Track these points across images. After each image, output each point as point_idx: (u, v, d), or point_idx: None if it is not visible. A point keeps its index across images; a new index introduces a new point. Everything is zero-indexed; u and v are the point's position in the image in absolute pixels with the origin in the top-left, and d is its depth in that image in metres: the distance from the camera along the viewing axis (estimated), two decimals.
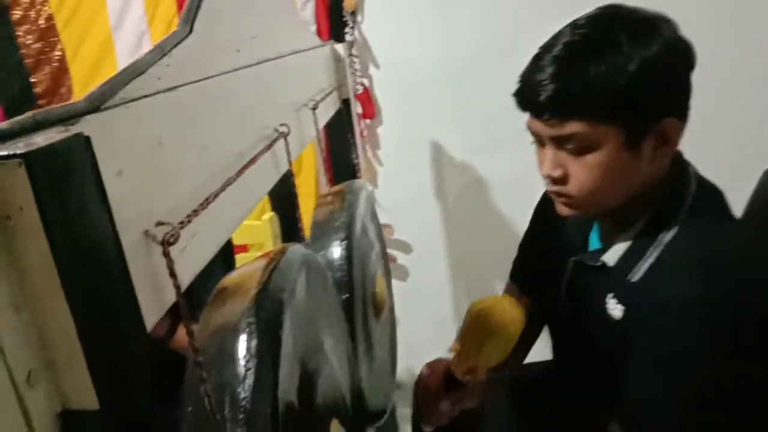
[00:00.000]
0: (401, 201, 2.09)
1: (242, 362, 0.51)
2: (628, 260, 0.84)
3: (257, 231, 1.70)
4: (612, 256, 0.86)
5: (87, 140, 0.35)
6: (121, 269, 0.37)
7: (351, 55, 1.90)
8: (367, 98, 1.98)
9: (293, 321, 0.61)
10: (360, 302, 1.02)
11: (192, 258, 0.47)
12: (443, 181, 2.08)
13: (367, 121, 2.01)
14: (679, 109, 0.79)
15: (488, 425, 1.17)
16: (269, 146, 0.67)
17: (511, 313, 0.96)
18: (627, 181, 0.80)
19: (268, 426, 0.49)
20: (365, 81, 1.97)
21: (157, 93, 0.44)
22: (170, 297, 0.41)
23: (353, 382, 0.82)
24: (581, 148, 0.77)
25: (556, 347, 1.13)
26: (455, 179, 2.06)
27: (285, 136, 0.75)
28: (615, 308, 0.84)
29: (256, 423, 0.48)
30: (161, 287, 0.41)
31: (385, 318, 1.29)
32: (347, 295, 0.94)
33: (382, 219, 2.22)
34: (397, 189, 2.08)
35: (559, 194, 0.84)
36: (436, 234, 2.11)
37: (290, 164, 0.77)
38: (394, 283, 2.27)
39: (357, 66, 1.92)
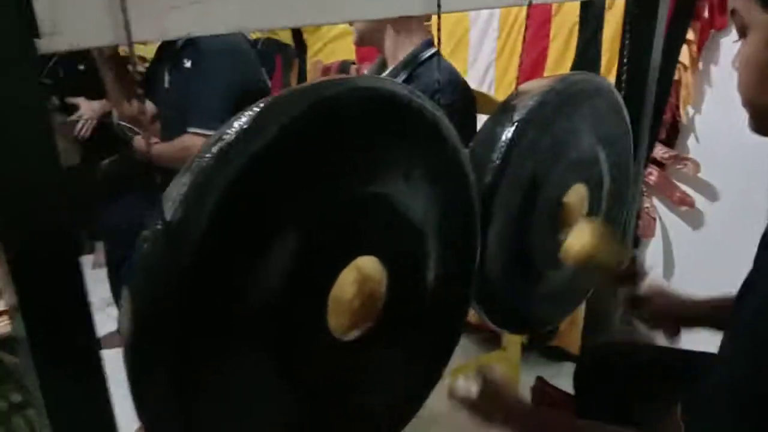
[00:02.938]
0: (721, 136, 1.74)
1: (237, 126, 0.56)
2: None
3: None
4: None
5: None
6: None
7: None
8: (721, 5, 1.63)
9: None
10: (511, 195, 0.94)
11: (188, 18, 0.53)
12: None
13: (713, 31, 1.68)
14: None
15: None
16: None
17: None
18: None
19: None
20: None
21: None
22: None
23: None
24: (740, 32, 0.69)
25: None
26: None
27: None
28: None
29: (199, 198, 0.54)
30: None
31: None
32: (489, 179, 0.89)
33: (693, 152, 1.89)
34: (720, 120, 1.73)
35: None
36: (753, 191, 1.71)
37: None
38: (682, 227, 1.95)
39: None
